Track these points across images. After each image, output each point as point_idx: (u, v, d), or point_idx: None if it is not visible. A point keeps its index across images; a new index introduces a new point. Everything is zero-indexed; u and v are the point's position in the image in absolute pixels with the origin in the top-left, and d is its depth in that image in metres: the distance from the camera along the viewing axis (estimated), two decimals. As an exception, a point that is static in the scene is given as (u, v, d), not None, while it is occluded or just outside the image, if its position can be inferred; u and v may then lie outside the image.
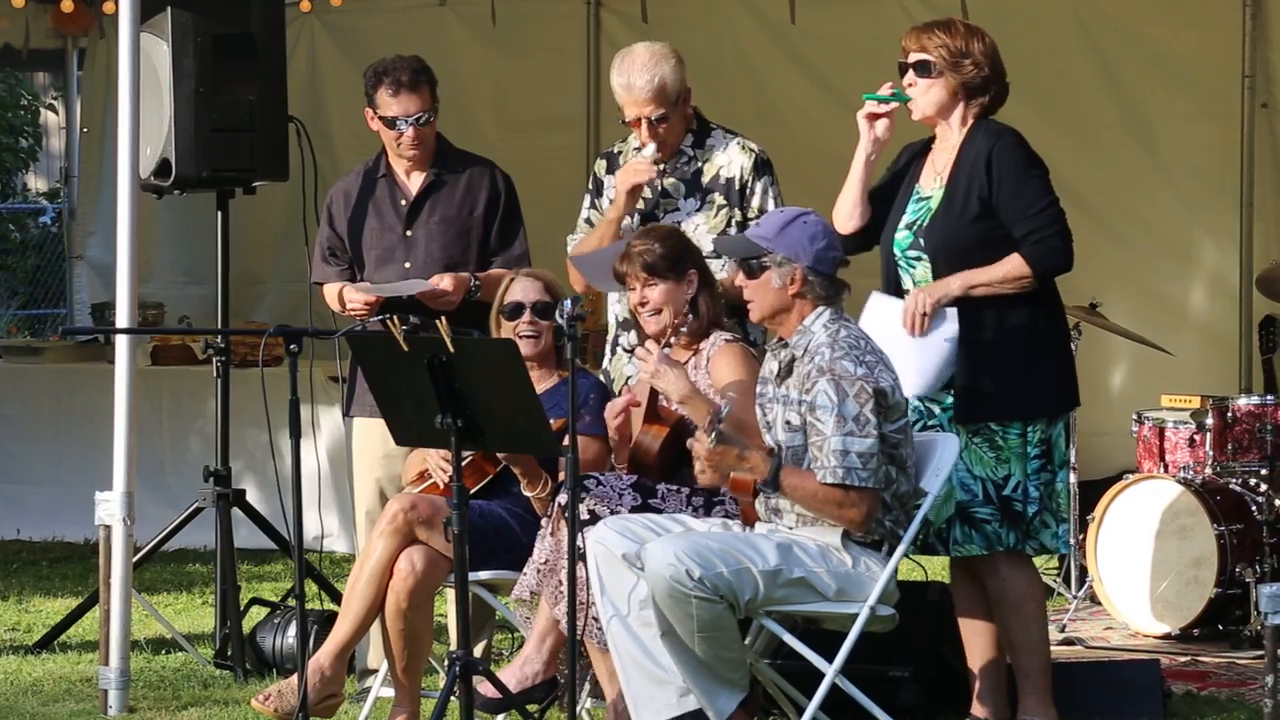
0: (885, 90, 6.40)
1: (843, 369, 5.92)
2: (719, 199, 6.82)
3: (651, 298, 6.46)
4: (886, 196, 6.49)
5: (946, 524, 6.33)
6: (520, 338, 6.60)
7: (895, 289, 6.42)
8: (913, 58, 6.38)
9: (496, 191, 7.23)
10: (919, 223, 6.37)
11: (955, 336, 6.27)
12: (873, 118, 6.41)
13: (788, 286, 6.07)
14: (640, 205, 6.84)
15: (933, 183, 6.41)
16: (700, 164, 6.86)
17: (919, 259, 6.36)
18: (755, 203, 6.81)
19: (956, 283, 6.28)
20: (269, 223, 10.35)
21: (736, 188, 6.81)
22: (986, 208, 6.27)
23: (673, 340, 6.45)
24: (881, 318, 6.32)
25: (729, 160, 6.84)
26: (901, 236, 6.40)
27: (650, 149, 6.76)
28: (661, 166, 6.84)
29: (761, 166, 6.85)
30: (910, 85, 6.37)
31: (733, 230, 6.75)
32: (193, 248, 11.95)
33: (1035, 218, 6.27)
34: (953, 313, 6.28)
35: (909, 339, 6.25)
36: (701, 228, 6.81)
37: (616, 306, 6.94)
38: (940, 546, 6.37)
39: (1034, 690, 6.34)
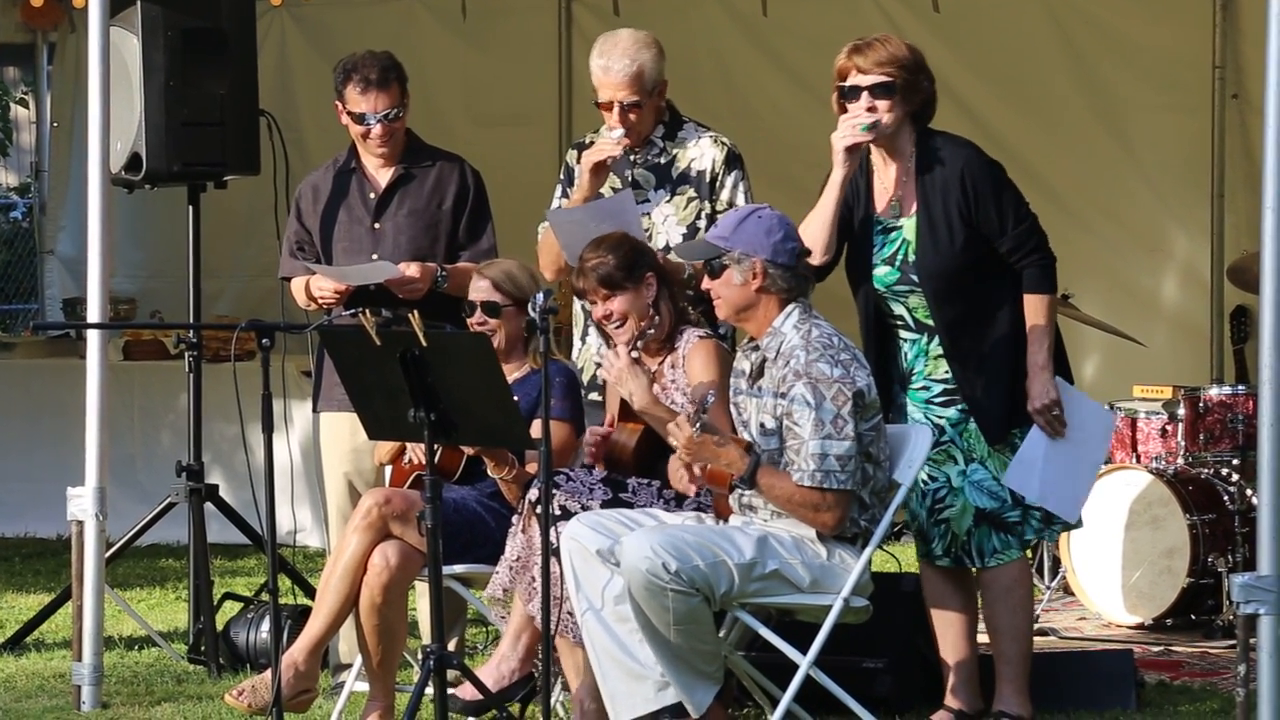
0: (866, 119, 6.20)
1: (819, 371, 5.91)
2: (690, 191, 6.82)
3: (615, 309, 6.44)
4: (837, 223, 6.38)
5: (968, 535, 6.31)
6: None
7: (881, 321, 6.36)
8: (867, 80, 6.22)
9: (465, 186, 7.22)
10: (899, 257, 6.30)
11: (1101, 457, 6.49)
12: (853, 148, 6.22)
13: (749, 282, 6.07)
14: (610, 194, 6.84)
15: (894, 209, 6.33)
16: (671, 155, 6.86)
17: (910, 291, 6.31)
18: (725, 196, 6.80)
19: (1041, 369, 6.22)
20: (228, 217, 10.32)
21: (707, 180, 6.81)
22: (969, 227, 6.21)
23: (639, 345, 6.43)
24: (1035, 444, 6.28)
25: (701, 153, 6.84)
26: (883, 272, 6.32)
27: (618, 131, 6.76)
28: (632, 158, 6.84)
29: (733, 160, 6.84)
30: (871, 108, 6.22)
31: (703, 223, 6.75)
32: (144, 243, 11.92)
33: (1019, 234, 6.23)
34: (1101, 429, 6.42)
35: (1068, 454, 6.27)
36: (671, 219, 6.81)
37: None
38: (971, 559, 6.32)
39: (1012, 679, 6.33)
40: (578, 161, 6.93)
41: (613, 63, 6.75)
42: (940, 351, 6.30)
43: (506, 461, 6.43)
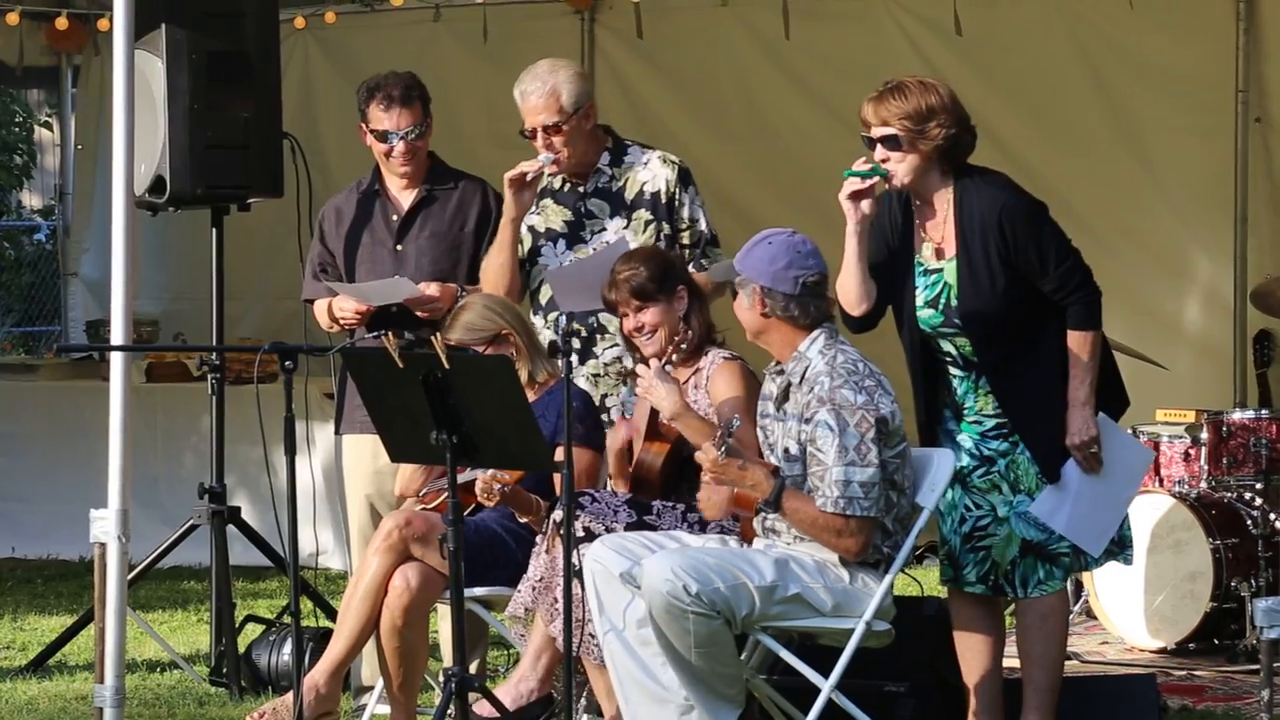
0: (863, 165, 6.19)
1: (843, 398, 5.91)
2: (645, 214, 6.87)
3: (646, 320, 6.47)
4: (879, 264, 6.33)
5: (1012, 565, 6.26)
6: None
7: (929, 359, 6.31)
8: (876, 132, 6.20)
9: (488, 209, 7.24)
10: (942, 300, 6.24)
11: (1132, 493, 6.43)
12: (856, 196, 6.19)
13: (755, 306, 6.09)
14: (564, 230, 6.85)
15: (933, 253, 6.27)
16: (622, 181, 6.90)
17: (956, 334, 6.25)
18: (686, 214, 6.89)
19: (1081, 405, 6.17)
20: (251, 240, 10.34)
21: (664, 201, 6.86)
22: (1008, 267, 6.15)
23: (673, 359, 6.46)
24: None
25: (651, 175, 6.90)
26: (927, 315, 6.26)
27: (546, 155, 6.79)
28: (581, 189, 6.85)
29: (685, 176, 6.92)
30: (884, 160, 6.19)
31: (662, 244, 6.81)
32: (167, 265, 11.95)
33: (1062, 273, 6.18)
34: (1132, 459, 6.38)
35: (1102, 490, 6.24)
36: (631, 244, 6.83)
37: (546, 332, 6.92)
38: (1014, 589, 6.28)
39: (1038, 707, 6.29)
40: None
41: (527, 87, 6.85)
42: (990, 389, 6.27)
43: (531, 509, 6.42)
